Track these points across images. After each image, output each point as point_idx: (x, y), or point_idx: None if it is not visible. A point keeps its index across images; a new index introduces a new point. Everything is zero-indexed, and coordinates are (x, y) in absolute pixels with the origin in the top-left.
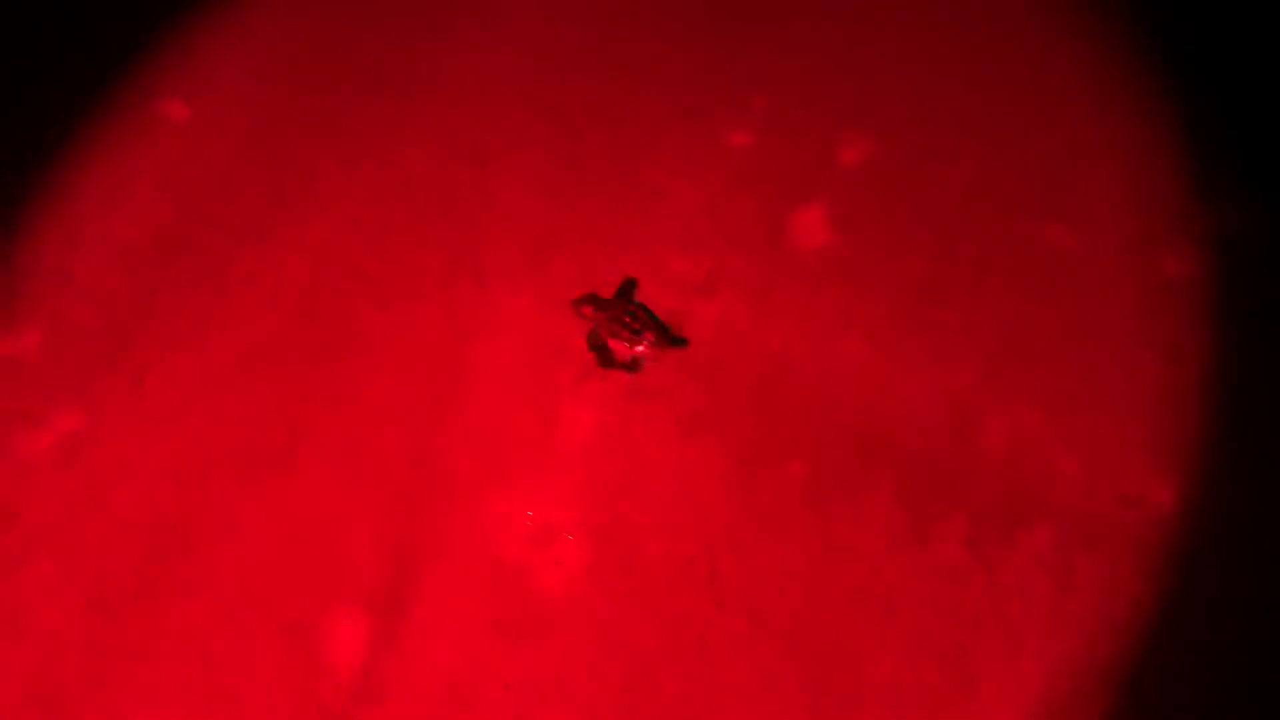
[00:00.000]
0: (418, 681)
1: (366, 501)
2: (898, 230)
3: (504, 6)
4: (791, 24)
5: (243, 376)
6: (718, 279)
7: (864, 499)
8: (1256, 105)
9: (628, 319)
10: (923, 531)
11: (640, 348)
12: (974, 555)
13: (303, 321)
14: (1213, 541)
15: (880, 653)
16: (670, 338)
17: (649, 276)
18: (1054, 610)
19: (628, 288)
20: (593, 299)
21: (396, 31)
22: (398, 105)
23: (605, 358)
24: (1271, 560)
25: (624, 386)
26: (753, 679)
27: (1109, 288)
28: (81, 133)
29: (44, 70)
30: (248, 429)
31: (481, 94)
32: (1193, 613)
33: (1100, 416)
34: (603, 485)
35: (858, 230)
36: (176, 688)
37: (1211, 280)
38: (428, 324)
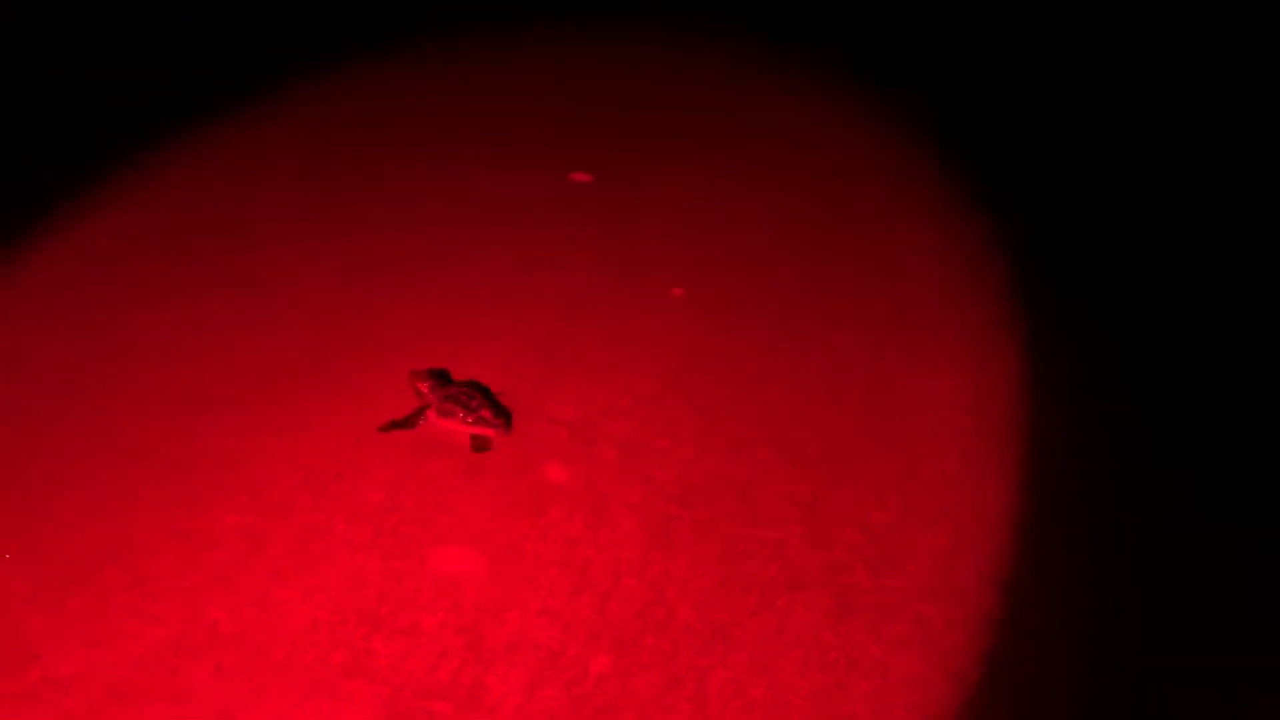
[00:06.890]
0: None
1: None
2: None
3: None
4: None
5: None
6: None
7: None
8: None
9: (464, 398)
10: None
11: (478, 427)
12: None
13: None
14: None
15: None
16: (506, 416)
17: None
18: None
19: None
20: (434, 375)
21: None
22: None
23: (412, 423)
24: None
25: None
26: None
27: None
28: None
29: None
30: None
31: None
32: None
33: None
34: None
35: None
36: None
37: None
38: None
